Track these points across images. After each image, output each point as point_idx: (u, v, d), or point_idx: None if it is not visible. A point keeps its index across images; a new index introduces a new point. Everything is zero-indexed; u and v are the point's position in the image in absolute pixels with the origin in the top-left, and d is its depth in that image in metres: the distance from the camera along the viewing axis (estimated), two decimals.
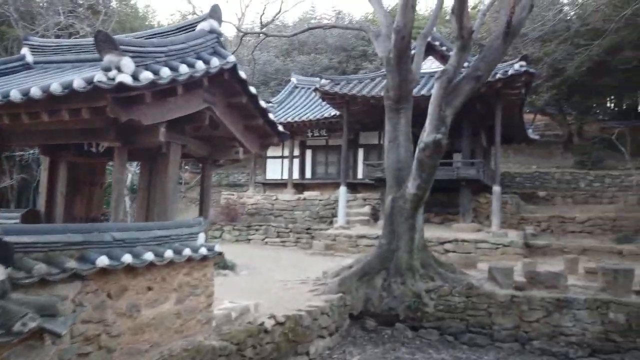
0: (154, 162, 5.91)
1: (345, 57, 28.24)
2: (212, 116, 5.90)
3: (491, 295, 8.32)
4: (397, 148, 9.21)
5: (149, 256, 4.49)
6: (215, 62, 5.40)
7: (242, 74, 5.90)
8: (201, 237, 5.65)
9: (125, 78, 4.31)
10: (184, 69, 4.91)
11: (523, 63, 13.11)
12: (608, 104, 28.16)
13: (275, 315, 6.43)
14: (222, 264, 10.71)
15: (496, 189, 14.10)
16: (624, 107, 29.43)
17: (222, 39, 5.98)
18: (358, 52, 28.29)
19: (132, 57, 4.62)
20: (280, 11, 28.84)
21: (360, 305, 8.68)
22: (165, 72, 4.71)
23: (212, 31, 5.74)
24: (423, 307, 8.47)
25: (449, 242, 13.41)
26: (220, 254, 5.85)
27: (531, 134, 20.23)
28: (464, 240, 13.45)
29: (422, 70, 11.61)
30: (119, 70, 4.45)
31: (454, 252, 13.18)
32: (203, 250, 5.33)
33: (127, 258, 4.23)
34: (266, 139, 6.81)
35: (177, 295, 5.08)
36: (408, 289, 8.60)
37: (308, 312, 7.10)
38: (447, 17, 33.93)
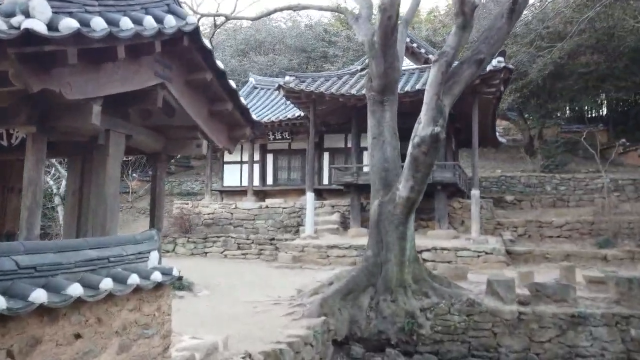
0: (87, 158, 4.41)
1: (305, 59, 27.07)
2: (167, 97, 4.46)
3: (495, 312, 7.26)
4: (383, 145, 8.05)
5: (74, 290, 3.04)
6: (171, 21, 3.97)
7: (207, 42, 4.49)
8: (153, 257, 4.19)
9: (37, 25, 2.86)
10: (126, 23, 3.47)
11: (501, 59, 12.36)
12: (565, 108, 28.41)
13: (252, 354, 5.03)
14: (178, 284, 9.15)
15: (475, 192, 13.25)
16: (579, 111, 29.89)
17: None
18: (319, 53, 27.20)
19: None
20: (234, 10, 27.25)
21: (344, 329, 7.39)
22: (99, 23, 3.25)
23: None
24: (418, 329, 7.29)
25: (427, 250, 12.40)
26: (180, 278, 4.42)
27: (499, 137, 19.74)
28: (443, 248, 12.48)
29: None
30: (27, 15, 2.97)
31: (433, 261, 12.18)
32: (156, 276, 3.88)
33: (39, 296, 2.77)
34: (236, 129, 5.41)
35: (121, 340, 3.62)
36: (400, 307, 7.40)
37: (289, 345, 5.75)
38: (424, 17, 33.67)
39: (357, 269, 7.94)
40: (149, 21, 3.81)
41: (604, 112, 30.68)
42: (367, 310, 7.50)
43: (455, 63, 7.23)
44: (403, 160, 8.52)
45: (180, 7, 4.53)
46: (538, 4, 24.25)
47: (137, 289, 3.69)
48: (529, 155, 25.11)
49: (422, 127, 6.77)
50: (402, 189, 7.27)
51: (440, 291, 7.64)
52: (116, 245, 3.82)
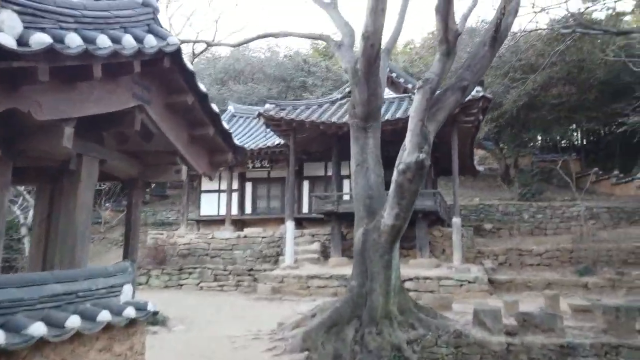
0: (57, 185, 4.11)
1: (284, 88, 27.17)
2: (145, 120, 4.23)
3: (483, 343, 7.05)
4: (367, 172, 7.91)
5: (36, 329, 2.73)
6: (151, 41, 3.79)
7: (189, 64, 4.32)
8: (127, 291, 3.89)
9: (5, 39, 2.65)
10: (103, 40, 3.27)
11: (479, 88, 12.52)
12: (539, 138, 29.09)
13: None
14: (151, 319, 8.68)
15: (456, 220, 13.18)
16: (552, 141, 30.63)
17: (159, 15, 4.41)
18: (298, 82, 27.35)
19: (19, 12, 2.95)
20: (214, 39, 27.34)
21: None
22: (74, 39, 3.05)
23: (146, 4, 4.13)
24: None
25: (410, 279, 12.18)
26: (155, 313, 4.10)
27: (477, 165, 19.95)
28: (426, 278, 12.29)
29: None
30: None
31: (416, 290, 11.95)
32: (129, 311, 3.58)
33: None
34: (217, 155, 5.19)
35: None
36: (385, 340, 7.12)
37: None
38: (400, 50, 34.33)
39: (341, 300, 7.66)
40: (128, 40, 3.62)
41: (577, 142, 31.51)
42: (351, 343, 7.19)
43: (439, 91, 7.23)
44: (386, 188, 8.43)
45: (162, 27, 4.36)
46: (511, 37, 25.06)
47: (108, 327, 3.38)
48: (505, 184, 25.47)
49: (407, 154, 6.67)
50: (387, 216, 7.10)
51: (426, 322, 7.41)
52: (86, 278, 3.52)
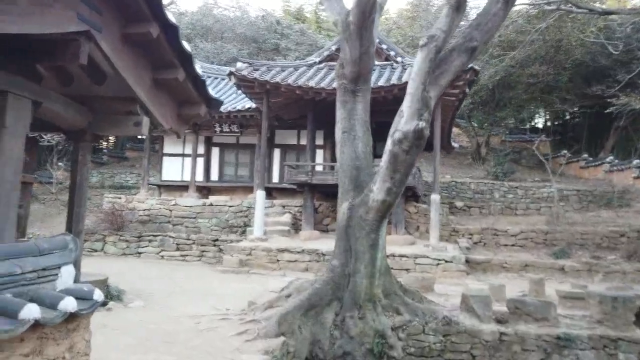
0: None
1: (255, 49, 25.67)
2: (95, 54, 3.22)
3: (473, 332, 6.50)
4: (354, 141, 7.08)
5: None
6: None
7: None
8: (66, 274, 2.97)
9: None
10: None
11: None
12: (512, 118, 28.94)
13: None
14: (105, 293, 7.72)
15: (435, 197, 12.64)
16: (522, 121, 30.63)
17: None
18: (270, 45, 25.90)
19: None
20: None
21: (304, 350, 6.35)
22: None
23: None
24: (389, 350, 6.39)
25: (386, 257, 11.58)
26: (105, 303, 3.19)
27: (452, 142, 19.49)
28: (402, 255, 11.76)
29: None
30: None
31: (391, 268, 11.37)
32: (67, 304, 2.66)
33: None
34: (187, 106, 4.24)
35: None
36: (368, 326, 6.47)
37: None
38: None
39: (320, 280, 6.92)
40: None
41: (547, 124, 31.65)
42: (331, 328, 6.51)
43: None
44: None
45: None
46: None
47: (36, 326, 2.48)
48: (476, 162, 25.29)
49: (405, 121, 5.87)
50: (377, 191, 6.33)
51: (412, 307, 6.79)
52: (6, 257, 2.58)
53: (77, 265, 3.36)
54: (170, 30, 3.66)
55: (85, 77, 3.69)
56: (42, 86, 3.50)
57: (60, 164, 20.00)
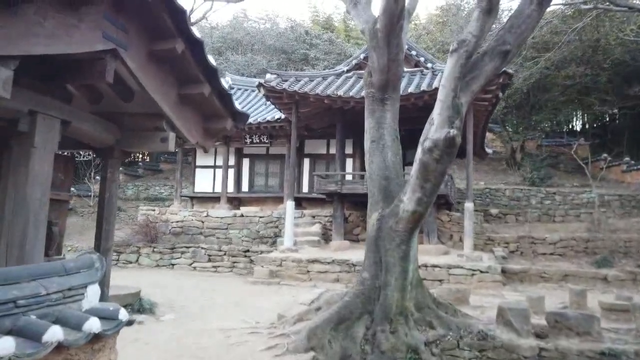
0: (4, 151, 3.13)
1: (285, 60, 25.90)
2: (121, 71, 3.23)
3: (511, 347, 6.22)
4: (383, 150, 6.96)
5: None
6: None
7: (178, 2, 3.31)
8: (92, 294, 2.96)
9: None
10: None
11: None
12: (548, 122, 28.09)
13: None
14: (138, 306, 7.84)
15: (469, 205, 12.32)
16: (559, 125, 29.69)
17: None
18: (299, 55, 26.07)
19: None
20: (211, 8, 25.99)
21: None
22: None
23: None
24: None
25: (418, 267, 11.33)
26: (130, 322, 3.17)
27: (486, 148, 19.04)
28: (434, 266, 11.48)
29: None
30: None
31: (424, 279, 11.11)
32: (92, 324, 2.64)
33: None
34: (214, 120, 4.23)
35: None
36: (400, 340, 6.28)
37: None
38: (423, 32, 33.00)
39: (350, 293, 6.79)
40: None
41: (585, 127, 30.58)
42: (361, 343, 6.36)
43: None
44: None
45: None
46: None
47: (60, 348, 2.46)
48: (511, 168, 24.62)
49: (435, 129, 5.71)
50: (408, 201, 6.18)
51: (446, 321, 6.57)
52: (32, 278, 2.58)
53: (104, 283, 3.36)
54: (196, 46, 3.67)
55: (113, 94, 3.73)
56: (71, 105, 3.55)
57: (97, 177, 20.58)
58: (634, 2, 20.87)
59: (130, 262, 14.47)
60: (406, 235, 6.44)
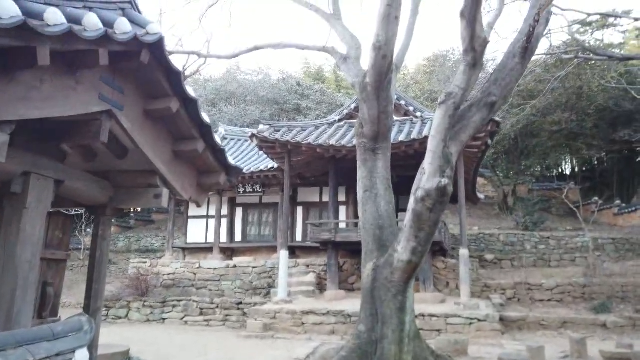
0: None
1: (277, 110, 26.41)
2: (116, 130, 3.27)
3: None
4: (376, 199, 6.99)
5: None
6: (124, 25, 2.86)
7: (173, 63, 3.41)
8: (80, 357, 2.87)
9: None
10: (54, 16, 2.33)
11: None
12: (538, 166, 28.52)
13: None
14: None
15: (464, 252, 12.27)
16: (549, 169, 30.12)
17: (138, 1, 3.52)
18: (291, 105, 26.62)
19: None
20: (205, 62, 26.66)
21: None
22: (8, 8, 2.10)
23: None
24: None
25: (415, 318, 11.11)
26: None
27: (478, 193, 19.18)
28: (431, 315, 11.25)
29: None
30: None
31: (421, 329, 10.84)
32: None
33: None
34: (207, 175, 4.26)
35: None
36: None
37: None
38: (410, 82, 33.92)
39: (347, 347, 6.61)
40: (91, 20, 2.71)
41: (574, 170, 31.02)
42: None
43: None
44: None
45: (141, 13, 3.46)
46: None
47: None
48: (504, 212, 24.70)
49: (427, 179, 5.78)
50: (402, 251, 6.15)
51: None
52: (18, 345, 2.50)
53: (93, 344, 3.26)
54: (190, 104, 3.75)
55: (107, 152, 3.75)
56: (65, 164, 3.57)
57: (88, 230, 20.35)
58: (613, 51, 21.74)
59: (120, 317, 14.08)
60: (402, 286, 6.36)
